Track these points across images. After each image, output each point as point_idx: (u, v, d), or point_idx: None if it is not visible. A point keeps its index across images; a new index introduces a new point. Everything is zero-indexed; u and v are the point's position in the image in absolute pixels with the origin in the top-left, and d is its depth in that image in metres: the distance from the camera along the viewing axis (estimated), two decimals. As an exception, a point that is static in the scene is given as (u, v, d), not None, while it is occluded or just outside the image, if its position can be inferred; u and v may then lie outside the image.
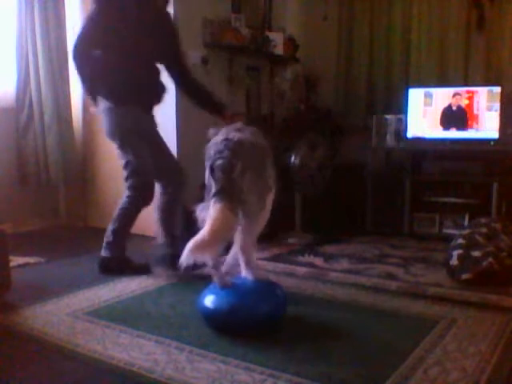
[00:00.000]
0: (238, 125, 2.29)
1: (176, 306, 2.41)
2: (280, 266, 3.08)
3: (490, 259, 2.71)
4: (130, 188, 2.86)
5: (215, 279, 2.16)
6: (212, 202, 2.03)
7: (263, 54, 4.38)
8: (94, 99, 2.83)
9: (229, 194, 2.02)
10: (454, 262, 2.82)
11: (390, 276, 2.92)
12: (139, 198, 2.87)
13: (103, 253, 2.91)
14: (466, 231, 3.04)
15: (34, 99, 3.89)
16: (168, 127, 3.55)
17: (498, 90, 3.78)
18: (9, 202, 3.82)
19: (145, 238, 3.54)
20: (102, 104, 2.79)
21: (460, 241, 2.92)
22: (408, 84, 4.21)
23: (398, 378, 1.70)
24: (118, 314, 2.29)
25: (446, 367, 1.77)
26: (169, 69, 2.94)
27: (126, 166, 2.84)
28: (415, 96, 4.00)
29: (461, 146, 3.92)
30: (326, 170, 3.90)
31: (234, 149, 2.08)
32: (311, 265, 3.17)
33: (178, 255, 2.86)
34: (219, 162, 2.07)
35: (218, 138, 2.18)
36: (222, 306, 2.07)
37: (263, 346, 1.95)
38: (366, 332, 2.11)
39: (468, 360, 1.83)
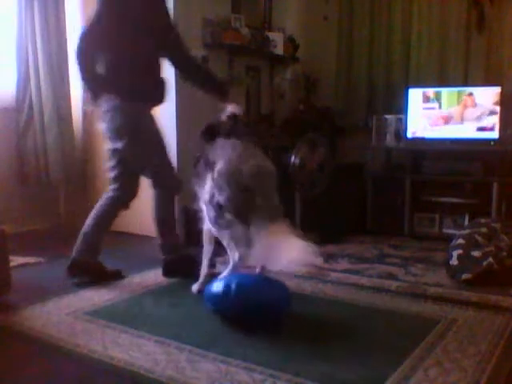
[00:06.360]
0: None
1: (176, 306, 2.41)
2: (280, 266, 3.08)
3: (490, 259, 2.71)
4: (115, 179, 2.82)
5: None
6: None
7: (263, 54, 4.37)
8: (96, 98, 2.78)
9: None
10: (454, 262, 2.82)
11: (390, 276, 2.92)
12: (120, 193, 2.82)
13: (74, 254, 2.77)
14: (466, 231, 3.04)
15: (34, 99, 3.88)
16: (168, 126, 3.54)
17: (497, 90, 3.78)
18: (9, 202, 3.81)
19: (144, 238, 3.54)
20: (107, 102, 2.74)
21: (460, 241, 2.92)
22: (408, 84, 4.20)
23: (397, 378, 1.70)
24: (118, 314, 2.29)
25: (445, 367, 1.77)
26: (172, 58, 2.88)
27: (114, 153, 2.79)
28: (415, 96, 4.00)
29: (461, 146, 3.91)
30: (327, 170, 3.89)
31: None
32: (311, 265, 3.16)
33: (172, 262, 2.88)
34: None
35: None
36: (230, 288, 2.13)
37: (263, 346, 1.96)
38: (366, 332, 2.11)
39: (468, 360, 1.83)
